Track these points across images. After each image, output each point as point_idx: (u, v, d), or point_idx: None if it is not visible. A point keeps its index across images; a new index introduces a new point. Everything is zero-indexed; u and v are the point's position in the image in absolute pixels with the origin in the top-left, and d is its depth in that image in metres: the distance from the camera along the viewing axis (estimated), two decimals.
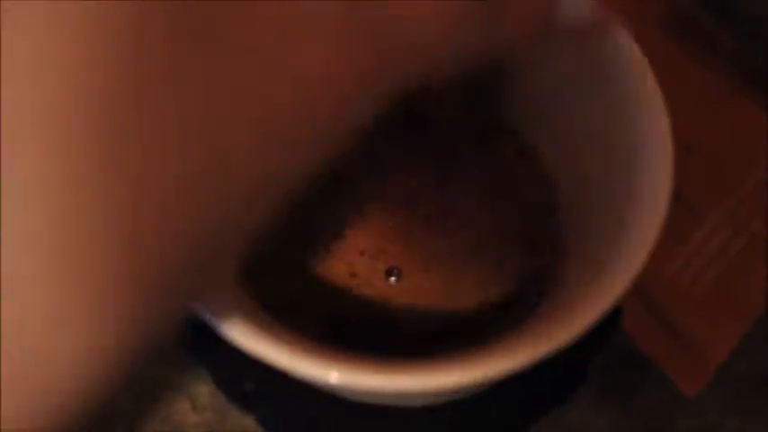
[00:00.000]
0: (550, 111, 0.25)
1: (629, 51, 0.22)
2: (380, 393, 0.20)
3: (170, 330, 0.14)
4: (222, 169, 0.13)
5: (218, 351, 0.23)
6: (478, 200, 0.26)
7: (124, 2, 0.11)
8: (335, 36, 0.14)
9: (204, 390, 0.34)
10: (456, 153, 0.27)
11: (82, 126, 0.11)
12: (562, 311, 0.19)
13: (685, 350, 0.33)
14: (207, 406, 0.33)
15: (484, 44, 0.17)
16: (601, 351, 0.24)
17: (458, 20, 0.16)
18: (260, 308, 0.22)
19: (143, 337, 0.13)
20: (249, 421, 0.26)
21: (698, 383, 0.33)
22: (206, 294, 0.18)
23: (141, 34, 0.11)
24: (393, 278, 0.24)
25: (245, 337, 0.18)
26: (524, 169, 0.26)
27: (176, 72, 0.12)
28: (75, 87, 0.11)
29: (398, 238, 0.25)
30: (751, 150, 0.36)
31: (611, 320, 0.24)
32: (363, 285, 0.24)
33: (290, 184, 0.15)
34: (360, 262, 0.25)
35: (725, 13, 0.37)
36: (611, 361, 0.33)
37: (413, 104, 0.28)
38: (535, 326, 0.20)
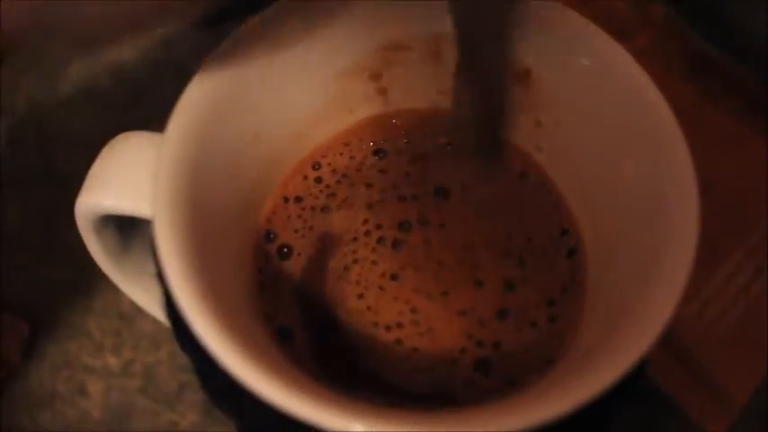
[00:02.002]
0: (580, 157, 0.25)
1: (656, 102, 0.22)
2: None
3: None
4: None
5: (244, 401, 0.23)
6: (501, 253, 0.26)
7: None
8: None
9: None
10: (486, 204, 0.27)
11: None
12: (587, 364, 0.19)
13: (708, 390, 0.33)
14: None
15: None
16: (626, 401, 0.24)
17: None
18: (284, 357, 0.22)
19: None
20: None
21: (721, 423, 0.33)
22: None
23: None
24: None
25: (269, 388, 0.18)
26: (548, 216, 0.26)
27: None
28: None
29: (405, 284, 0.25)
30: None
31: (638, 370, 0.24)
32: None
33: None
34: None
35: (742, 54, 0.37)
36: (633, 400, 0.33)
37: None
38: (561, 377, 0.20)
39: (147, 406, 0.34)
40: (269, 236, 0.26)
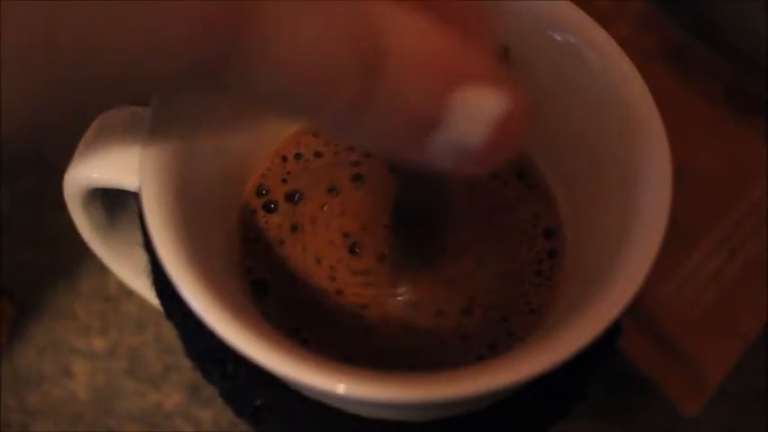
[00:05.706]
0: (557, 134, 0.26)
1: (632, 79, 0.23)
2: (386, 405, 0.20)
3: None
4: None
5: (227, 365, 0.23)
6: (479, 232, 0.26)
7: None
8: None
9: (207, 415, 0.34)
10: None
11: None
12: (559, 330, 0.20)
13: (684, 372, 0.33)
14: None
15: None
16: (600, 371, 0.24)
17: None
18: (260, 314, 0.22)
19: None
20: None
21: (697, 404, 0.33)
22: None
23: None
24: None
25: (256, 349, 0.19)
26: (525, 193, 0.27)
27: None
28: None
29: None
30: (744, 174, 0.36)
31: (611, 341, 0.24)
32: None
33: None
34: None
35: (718, 44, 0.38)
36: (611, 382, 0.33)
37: None
38: (533, 343, 0.21)
39: (133, 387, 0.34)
40: (261, 191, 0.26)
